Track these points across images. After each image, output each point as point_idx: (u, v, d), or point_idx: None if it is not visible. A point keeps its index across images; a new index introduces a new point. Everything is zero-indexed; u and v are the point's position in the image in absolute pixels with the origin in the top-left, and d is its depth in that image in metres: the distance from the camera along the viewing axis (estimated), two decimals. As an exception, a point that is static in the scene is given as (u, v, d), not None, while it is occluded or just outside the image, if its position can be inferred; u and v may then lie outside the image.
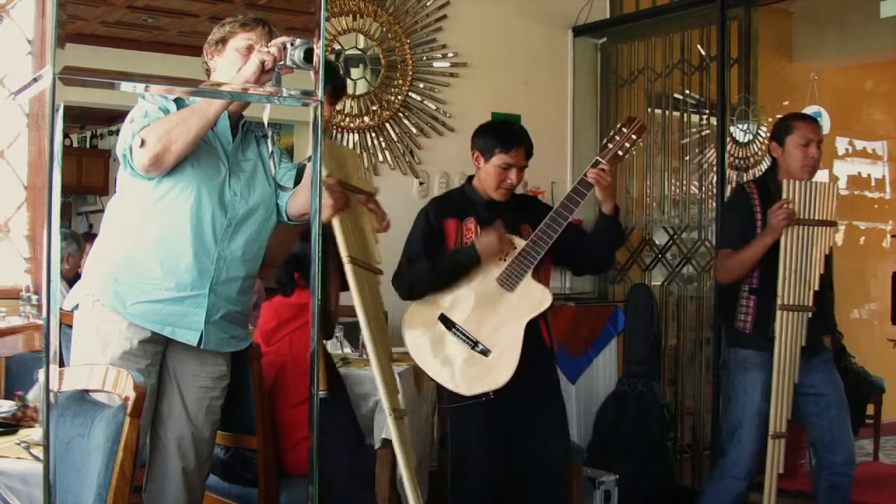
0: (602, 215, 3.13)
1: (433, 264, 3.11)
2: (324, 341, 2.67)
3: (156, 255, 2.48)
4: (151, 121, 2.41)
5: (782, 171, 3.47)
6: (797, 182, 3.33)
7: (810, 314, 3.31)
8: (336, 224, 2.50)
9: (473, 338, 3.06)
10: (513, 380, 3.02)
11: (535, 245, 3.05)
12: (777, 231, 3.29)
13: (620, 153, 3.07)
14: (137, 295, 2.47)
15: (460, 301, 3.10)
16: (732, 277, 3.48)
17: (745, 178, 4.94)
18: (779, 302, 3.29)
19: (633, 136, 3.07)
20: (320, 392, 2.51)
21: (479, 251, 3.06)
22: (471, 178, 3.27)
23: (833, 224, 3.32)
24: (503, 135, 3.20)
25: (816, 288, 3.29)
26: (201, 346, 2.54)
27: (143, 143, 2.37)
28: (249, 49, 2.52)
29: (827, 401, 3.46)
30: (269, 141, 2.58)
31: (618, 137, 3.08)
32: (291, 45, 2.38)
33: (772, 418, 3.33)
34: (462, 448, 3.15)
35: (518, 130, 3.23)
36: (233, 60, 2.54)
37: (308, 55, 2.35)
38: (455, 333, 3.07)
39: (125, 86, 1.89)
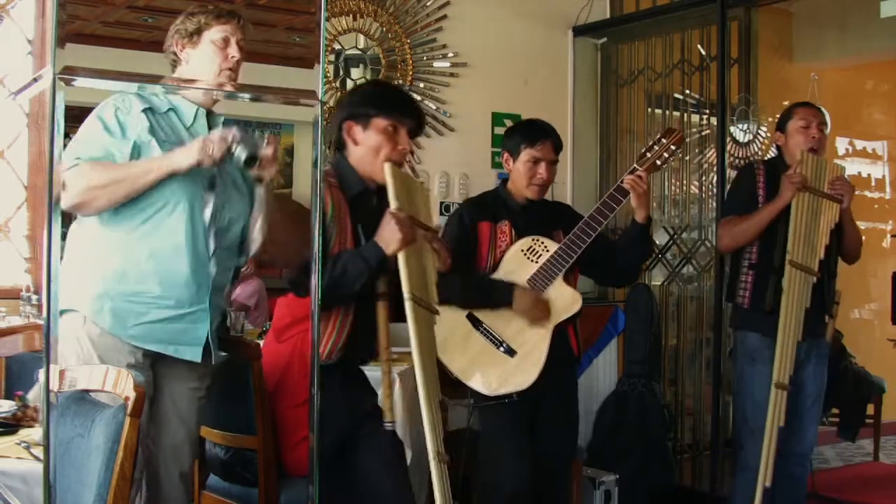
0: (634, 223, 3.17)
1: (467, 289, 3.08)
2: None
3: (152, 272, 2.42)
4: (90, 149, 2.34)
5: (787, 157, 3.55)
6: (811, 155, 3.43)
7: (815, 279, 3.34)
8: (402, 259, 2.43)
9: (500, 338, 3.06)
10: (538, 381, 3.03)
11: (568, 249, 3.06)
12: (789, 195, 3.35)
13: (658, 162, 3.13)
14: (137, 316, 2.42)
15: None
16: (738, 243, 3.51)
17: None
18: (788, 257, 3.32)
19: (672, 147, 3.13)
20: (388, 424, 2.52)
21: (515, 308, 3.04)
22: (504, 181, 3.28)
23: (839, 201, 3.38)
24: (527, 131, 3.23)
25: (822, 256, 3.35)
26: (204, 360, 2.52)
27: (64, 185, 2.26)
28: (225, 41, 2.50)
29: (807, 392, 3.54)
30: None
31: (656, 147, 3.13)
32: (236, 142, 2.34)
33: (776, 369, 3.33)
34: (489, 446, 3.16)
35: (542, 125, 3.26)
36: (208, 54, 2.50)
37: (249, 162, 2.33)
38: (482, 332, 3.08)
39: (125, 86, 1.89)
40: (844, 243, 3.50)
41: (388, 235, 2.43)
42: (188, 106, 2.53)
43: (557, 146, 3.21)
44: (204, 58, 2.51)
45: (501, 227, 3.15)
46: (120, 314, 2.40)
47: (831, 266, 3.50)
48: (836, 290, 3.64)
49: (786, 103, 3.79)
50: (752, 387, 3.50)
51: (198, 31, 2.51)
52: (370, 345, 2.65)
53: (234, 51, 2.53)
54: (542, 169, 3.15)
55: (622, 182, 3.10)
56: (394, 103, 2.65)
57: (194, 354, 2.49)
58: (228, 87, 2.35)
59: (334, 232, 2.52)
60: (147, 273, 2.42)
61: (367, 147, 2.59)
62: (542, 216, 3.21)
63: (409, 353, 3.88)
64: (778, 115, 3.77)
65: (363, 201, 2.61)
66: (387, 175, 2.50)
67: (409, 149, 2.65)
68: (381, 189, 2.57)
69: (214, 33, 2.51)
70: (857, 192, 3.60)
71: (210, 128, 2.55)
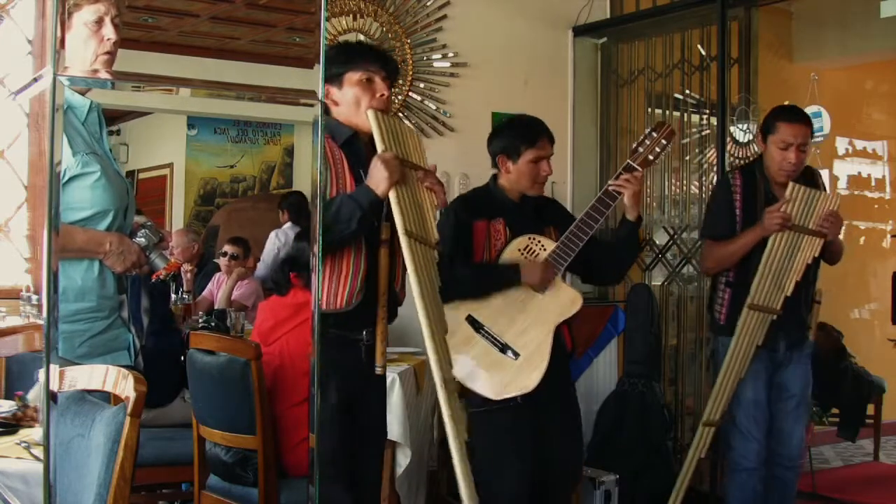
0: (624, 222, 3.15)
1: (475, 275, 3.07)
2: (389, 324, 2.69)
3: (90, 286, 2.42)
4: None
5: (765, 166, 3.51)
6: (802, 188, 3.34)
7: (774, 317, 3.34)
8: (393, 197, 2.48)
9: (502, 340, 3.03)
10: (539, 382, 3.01)
11: (566, 248, 3.04)
12: (768, 232, 3.32)
13: (651, 157, 3.11)
14: (81, 335, 2.41)
15: (489, 302, 3.06)
16: (719, 268, 3.53)
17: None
18: (748, 301, 3.32)
19: (663, 141, 3.11)
20: (378, 368, 2.61)
21: (523, 279, 3.04)
22: (495, 176, 3.24)
23: (824, 235, 3.33)
24: (524, 131, 3.20)
25: (788, 293, 3.32)
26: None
27: None
28: (99, 22, 2.35)
29: (790, 393, 3.56)
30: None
31: (648, 142, 3.11)
32: (149, 253, 2.44)
33: (708, 406, 3.39)
34: (492, 452, 3.09)
35: (535, 122, 3.24)
36: (82, 36, 2.36)
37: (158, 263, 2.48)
38: (483, 335, 3.04)
39: (125, 86, 1.89)
40: (827, 255, 3.47)
41: (377, 175, 2.47)
42: (81, 100, 2.47)
43: (552, 139, 3.21)
44: (77, 42, 2.35)
45: (496, 225, 3.12)
46: (67, 336, 2.37)
47: (810, 275, 3.44)
48: (818, 290, 3.63)
49: (786, 103, 3.77)
50: (737, 388, 3.49)
51: (68, 14, 2.32)
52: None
53: (109, 31, 2.38)
54: (544, 166, 3.15)
55: (611, 183, 3.08)
56: (359, 55, 2.68)
57: (127, 358, 2.49)
58: (230, 87, 2.34)
59: (327, 181, 2.56)
60: (85, 289, 2.41)
61: (346, 103, 2.64)
62: (535, 213, 3.20)
63: (410, 353, 3.91)
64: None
65: (357, 148, 2.65)
66: (371, 122, 2.54)
67: (389, 94, 2.66)
68: (373, 140, 2.58)
69: (86, 14, 2.35)
70: (856, 193, 3.59)
71: (98, 118, 2.50)
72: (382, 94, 2.63)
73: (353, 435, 2.65)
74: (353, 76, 2.62)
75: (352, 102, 2.63)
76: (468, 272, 3.07)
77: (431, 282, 2.50)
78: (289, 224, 6.25)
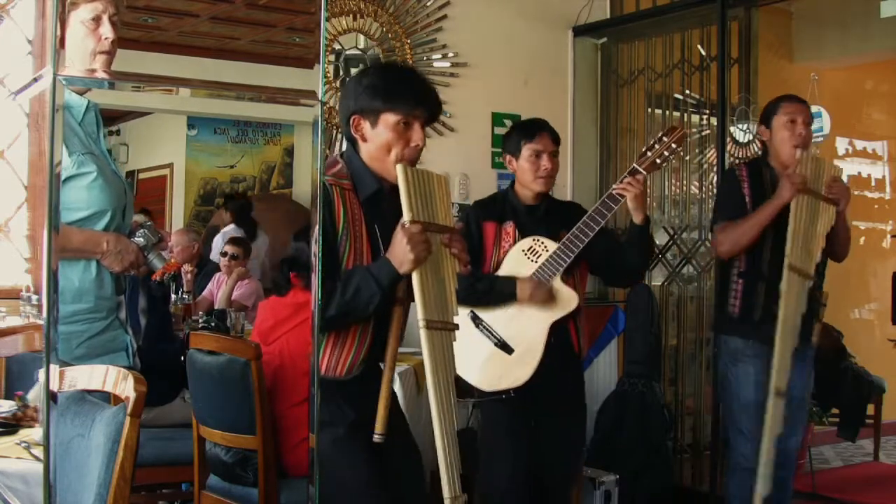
0: (632, 225, 3.17)
1: (472, 286, 3.08)
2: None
3: (88, 287, 2.41)
4: None
5: (772, 154, 3.51)
6: (809, 153, 3.37)
7: (810, 283, 3.31)
8: (416, 279, 2.24)
9: (498, 335, 3.12)
10: (537, 379, 3.06)
11: (567, 248, 3.09)
12: (788, 196, 3.29)
13: (658, 161, 3.13)
14: (79, 336, 2.40)
15: None
16: (738, 247, 3.47)
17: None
18: (787, 262, 3.26)
19: (673, 145, 3.12)
20: (377, 436, 2.32)
21: (519, 297, 3.08)
22: (512, 183, 3.32)
23: (836, 203, 3.33)
24: (523, 127, 3.28)
25: (817, 260, 3.31)
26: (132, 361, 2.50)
27: None
28: (96, 20, 2.32)
29: (790, 395, 3.53)
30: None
31: (657, 146, 3.13)
32: (148, 254, 2.44)
33: (774, 375, 3.28)
34: (487, 443, 3.22)
35: (537, 120, 3.30)
36: (79, 35, 2.33)
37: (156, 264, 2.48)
38: (482, 330, 3.14)
39: (125, 86, 1.89)
40: (834, 243, 3.46)
41: (401, 254, 2.22)
42: (78, 100, 2.45)
43: (555, 138, 3.25)
44: (74, 41, 2.31)
45: (506, 227, 3.20)
46: (65, 338, 2.35)
47: (819, 269, 3.44)
48: (824, 292, 3.63)
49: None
50: (738, 387, 3.52)
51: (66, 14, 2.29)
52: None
53: (106, 30, 2.34)
54: (545, 161, 3.19)
55: (615, 187, 3.10)
56: (405, 95, 2.36)
57: (125, 360, 2.48)
58: (228, 87, 2.34)
59: (347, 243, 2.31)
60: (83, 290, 2.40)
61: (376, 145, 2.36)
62: (548, 217, 3.23)
63: (410, 353, 3.90)
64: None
65: (378, 200, 2.40)
66: (399, 179, 2.28)
67: (423, 145, 2.41)
68: (397, 188, 2.31)
69: (83, 12, 2.32)
70: (856, 193, 3.57)
71: (95, 118, 2.48)
72: (417, 145, 2.38)
73: (386, 460, 2.46)
74: (390, 118, 2.34)
75: (382, 146, 2.35)
76: (465, 284, 2.92)
77: (448, 373, 2.32)
78: (232, 226, 6.41)
